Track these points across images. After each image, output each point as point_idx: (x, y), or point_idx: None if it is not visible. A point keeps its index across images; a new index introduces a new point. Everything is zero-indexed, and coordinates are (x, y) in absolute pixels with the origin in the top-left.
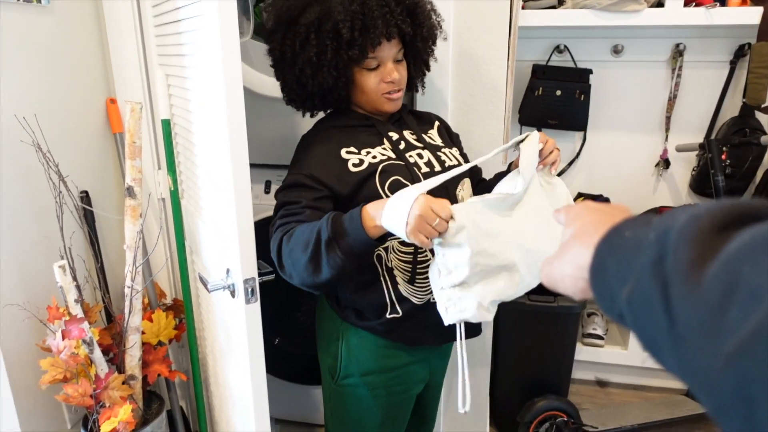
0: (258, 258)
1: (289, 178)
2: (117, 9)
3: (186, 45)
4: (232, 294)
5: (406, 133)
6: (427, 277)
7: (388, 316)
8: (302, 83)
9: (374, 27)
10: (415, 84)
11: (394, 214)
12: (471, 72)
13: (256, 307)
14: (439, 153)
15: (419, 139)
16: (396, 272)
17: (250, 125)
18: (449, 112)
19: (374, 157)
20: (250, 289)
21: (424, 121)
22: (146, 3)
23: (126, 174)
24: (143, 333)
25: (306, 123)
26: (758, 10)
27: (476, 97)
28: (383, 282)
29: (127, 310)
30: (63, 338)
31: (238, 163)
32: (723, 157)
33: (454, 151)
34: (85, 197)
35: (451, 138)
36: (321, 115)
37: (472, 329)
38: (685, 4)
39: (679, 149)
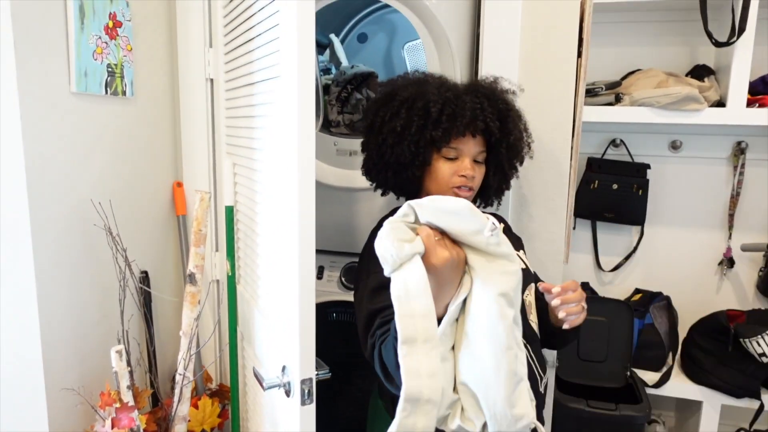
0: None
1: (372, 278)
2: (192, 102)
3: (257, 140)
4: (287, 393)
5: None
6: None
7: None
8: (382, 152)
9: (462, 116)
10: (491, 196)
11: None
12: (533, 168)
13: (312, 408)
14: None
15: None
16: None
17: None
18: (510, 207)
19: None
20: (306, 390)
21: None
22: (220, 96)
23: (189, 261)
24: (188, 421)
25: (362, 211)
26: None
27: (537, 194)
28: None
29: (176, 399)
30: (113, 426)
31: (304, 260)
32: None
33: (521, 253)
34: (145, 278)
35: (516, 240)
36: (387, 206)
37: None
38: (748, 105)
39: (745, 249)
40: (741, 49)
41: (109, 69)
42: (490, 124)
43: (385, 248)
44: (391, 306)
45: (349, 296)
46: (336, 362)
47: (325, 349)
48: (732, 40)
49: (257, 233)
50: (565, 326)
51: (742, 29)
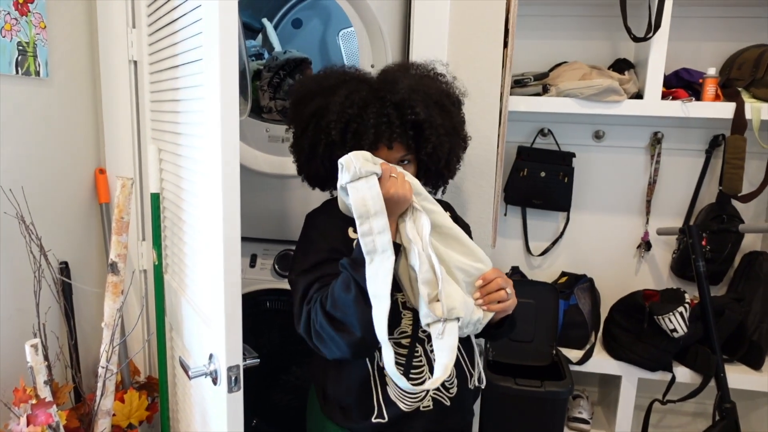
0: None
1: (310, 257)
2: (115, 85)
3: (183, 124)
4: (214, 381)
5: None
6: (419, 383)
7: (373, 420)
8: (301, 165)
9: (366, 135)
10: (434, 186)
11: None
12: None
13: (239, 396)
14: None
15: None
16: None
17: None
18: (440, 192)
19: None
20: (233, 378)
21: None
22: (144, 78)
23: (111, 249)
24: (113, 415)
25: (295, 198)
26: (731, 106)
27: (466, 180)
28: (372, 382)
29: (99, 393)
30: (28, 424)
31: (228, 244)
32: (703, 242)
33: None
34: (65, 268)
35: (465, 228)
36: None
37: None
38: (663, 97)
39: (660, 233)
40: (657, 45)
41: (20, 47)
42: (398, 139)
43: (350, 160)
44: (323, 276)
45: (283, 284)
46: (272, 350)
47: (260, 338)
48: (648, 36)
49: (184, 221)
50: (491, 311)
51: (657, 25)
